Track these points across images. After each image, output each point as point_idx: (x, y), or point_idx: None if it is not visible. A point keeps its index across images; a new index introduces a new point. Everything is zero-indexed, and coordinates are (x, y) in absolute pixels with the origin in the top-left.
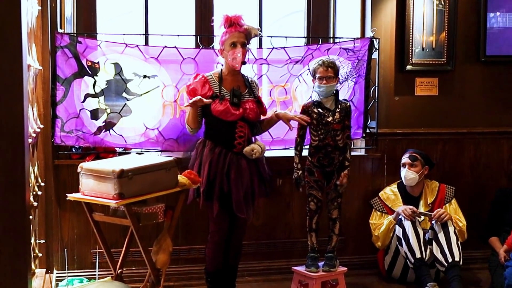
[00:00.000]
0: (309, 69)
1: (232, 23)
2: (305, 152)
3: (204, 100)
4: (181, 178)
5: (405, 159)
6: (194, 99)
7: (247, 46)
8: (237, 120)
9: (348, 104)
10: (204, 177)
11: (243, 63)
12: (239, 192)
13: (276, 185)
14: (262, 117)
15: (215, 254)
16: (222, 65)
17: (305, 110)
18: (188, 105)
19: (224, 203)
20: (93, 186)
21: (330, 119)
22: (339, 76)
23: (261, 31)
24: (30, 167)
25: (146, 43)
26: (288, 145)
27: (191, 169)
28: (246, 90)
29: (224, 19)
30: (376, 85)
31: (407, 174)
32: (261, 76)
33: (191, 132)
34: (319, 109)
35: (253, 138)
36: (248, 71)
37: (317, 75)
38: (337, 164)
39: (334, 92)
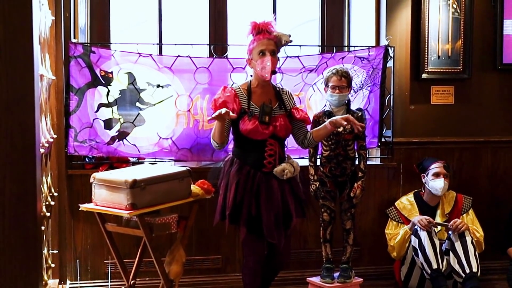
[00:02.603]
0: (323, 77)
1: (261, 30)
2: (318, 162)
3: (231, 114)
4: (195, 188)
5: (439, 168)
6: (220, 110)
7: (277, 54)
8: (267, 138)
9: (360, 114)
10: (230, 199)
11: (273, 72)
12: (270, 216)
13: (313, 204)
14: (310, 128)
15: (252, 280)
16: (251, 76)
17: (316, 120)
18: (214, 117)
19: (252, 227)
20: (106, 196)
21: (340, 129)
22: (352, 86)
23: (288, 35)
24: (43, 177)
25: (160, 53)
26: (302, 154)
27: (219, 187)
28: (277, 104)
29: (251, 26)
30: (391, 93)
31: (444, 185)
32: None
33: (217, 148)
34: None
35: (285, 156)
36: None
37: (330, 84)
38: (350, 174)
39: (346, 102)
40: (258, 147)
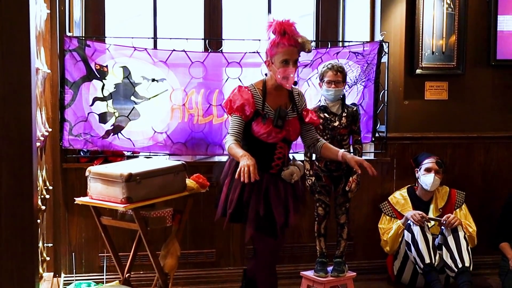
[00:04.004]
0: (318, 72)
1: (285, 32)
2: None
3: (257, 176)
4: (190, 182)
5: (431, 164)
6: (251, 168)
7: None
8: (278, 141)
9: (355, 109)
10: (234, 199)
11: (295, 83)
12: (281, 217)
13: (307, 200)
14: (321, 142)
15: (268, 276)
16: (266, 74)
17: None
18: (246, 168)
19: (260, 226)
20: (101, 190)
21: (336, 124)
22: (347, 81)
23: (310, 41)
24: (38, 171)
25: (155, 47)
26: (297, 149)
27: (222, 184)
28: (290, 106)
29: (274, 24)
30: (386, 89)
31: (435, 180)
32: None
33: None
34: (325, 114)
35: (290, 157)
36: (257, 75)
37: (326, 79)
38: (345, 168)
39: (341, 96)
40: (268, 149)
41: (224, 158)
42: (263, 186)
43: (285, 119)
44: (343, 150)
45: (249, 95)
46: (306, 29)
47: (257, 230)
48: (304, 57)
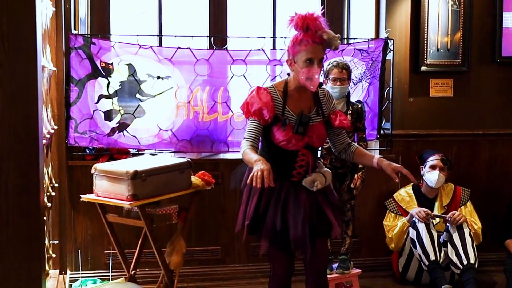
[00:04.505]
0: (323, 69)
1: (308, 27)
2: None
3: (271, 183)
4: (195, 179)
5: (436, 161)
6: (265, 173)
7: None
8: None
9: (360, 106)
10: (251, 209)
11: (320, 85)
12: (297, 229)
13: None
14: (354, 147)
15: None
16: (288, 74)
17: None
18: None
19: (276, 240)
20: (107, 187)
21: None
22: (352, 78)
23: (338, 37)
24: (44, 168)
25: (160, 44)
26: None
27: (242, 191)
28: (315, 110)
29: (296, 19)
30: (391, 86)
31: (439, 178)
32: (275, 77)
33: None
34: None
35: (317, 163)
36: (262, 72)
37: (331, 76)
38: (350, 165)
39: (346, 94)
40: (289, 156)
41: (229, 156)
42: (282, 196)
43: (308, 125)
44: (378, 156)
45: (268, 98)
46: None
47: (272, 244)
48: None
